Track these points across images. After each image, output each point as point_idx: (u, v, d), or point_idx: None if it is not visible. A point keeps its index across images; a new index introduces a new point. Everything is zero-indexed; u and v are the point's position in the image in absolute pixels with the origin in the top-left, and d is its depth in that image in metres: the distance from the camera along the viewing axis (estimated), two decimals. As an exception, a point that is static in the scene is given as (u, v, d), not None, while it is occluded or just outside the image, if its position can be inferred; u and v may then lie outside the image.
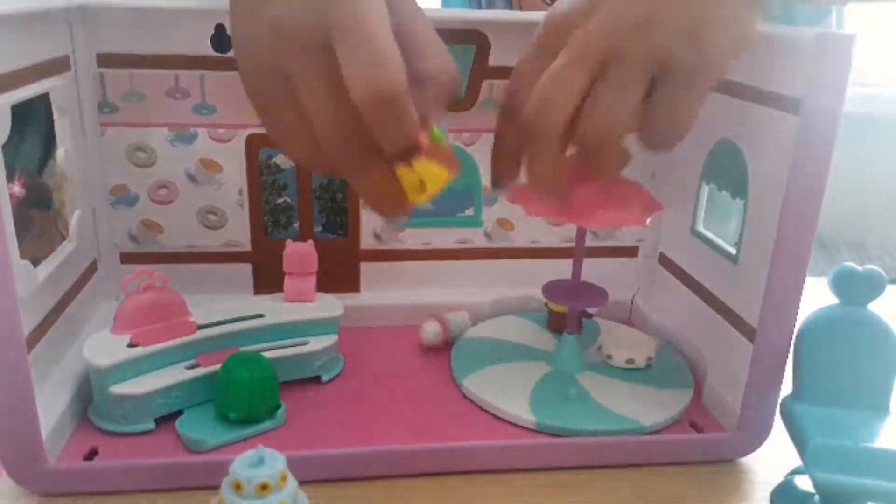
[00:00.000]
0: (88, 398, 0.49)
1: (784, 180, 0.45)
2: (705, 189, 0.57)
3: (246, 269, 0.62)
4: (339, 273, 0.62)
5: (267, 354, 0.50)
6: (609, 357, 0.56)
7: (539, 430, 0.49)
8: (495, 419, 0.50)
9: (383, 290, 0.63)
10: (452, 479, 0.46)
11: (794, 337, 0.45)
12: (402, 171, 0.37)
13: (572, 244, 0.64)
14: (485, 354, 0.56)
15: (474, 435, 0.48)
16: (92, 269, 0.57)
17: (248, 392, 0.46)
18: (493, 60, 0.58)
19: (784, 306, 0.45)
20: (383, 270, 0.63)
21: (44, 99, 0.49)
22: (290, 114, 0.37)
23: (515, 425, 0.49)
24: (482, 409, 0.51)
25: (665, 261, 0.64)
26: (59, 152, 0.52)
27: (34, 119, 0.51)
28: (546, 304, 0.62)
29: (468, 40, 0.58)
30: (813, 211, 0.44)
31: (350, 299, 0.60)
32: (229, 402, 0.46)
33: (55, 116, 0.51)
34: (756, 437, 0.48)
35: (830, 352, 0.43)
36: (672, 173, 0.61)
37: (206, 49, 0.55)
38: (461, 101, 0.59)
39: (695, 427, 0.51)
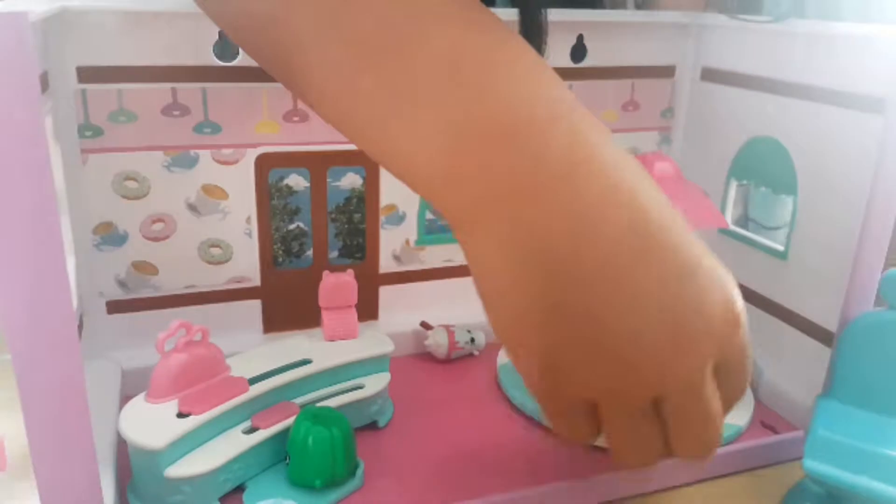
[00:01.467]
0: (123, 480, 0.41)
1: (850, 176, 0.46)
2: (734, 185, 0.58)
3: (255, 305, 0.54)
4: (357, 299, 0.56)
5: (326, 404, 0.44)
6: None
7: None
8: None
9: (402, 315, 0.58)
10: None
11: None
12: None
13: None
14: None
15: (575, 466, 0.45)
16: (79, 325, 0.48)
17: (331, 453, 0.40)
18: (517, 63, 0.55)
19: (864, 304, 0.46)
20: (402, 293, 0.58)
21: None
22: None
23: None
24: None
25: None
26: (49, 189, 0.42)
27: None
28: None
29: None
30: (892, 211, 0.45)
31: (368, 328, 0.55)
32: (312, 466, 0.40)
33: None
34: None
35: (872, 355, 0.43)
36: (694, 171, 0.60)
37: (209, 58, 0.48)
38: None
39: (767, 427, 0.51)
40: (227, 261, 0.52)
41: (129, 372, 0.49)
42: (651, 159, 0.49)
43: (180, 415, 0.40)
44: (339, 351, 0.48)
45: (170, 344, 0.41)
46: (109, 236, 0.49)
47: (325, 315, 0.49)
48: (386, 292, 0.58)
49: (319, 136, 0.52)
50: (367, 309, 0.57)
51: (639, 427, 0.33)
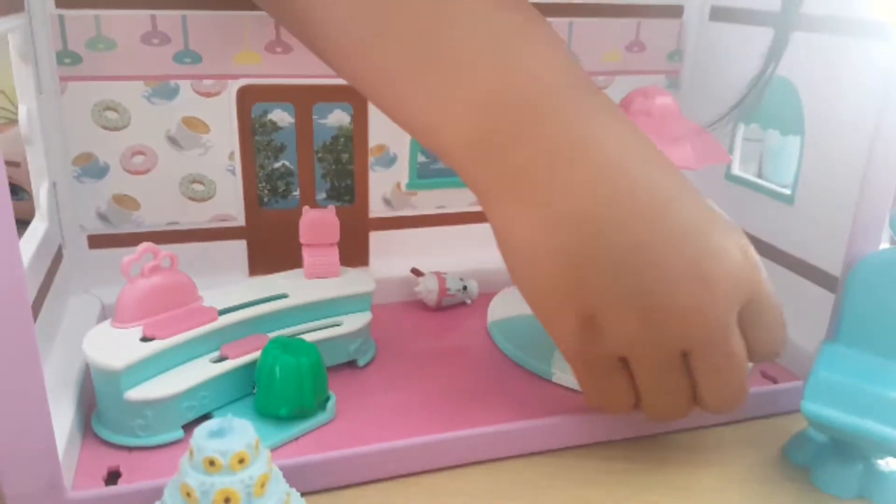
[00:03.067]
0: (89, 408, 0.40)
1: (856, 114, 0.43)
2: (742, 129, 0.55)
3: (240, 246, 0.53)
4: (345, 245, 0.54)
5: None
6: None
7: None
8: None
9: (394, 261, 0.57)
10: (545, 458, 0.40)
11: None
12: None
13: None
14: (533, 333, 0.51)
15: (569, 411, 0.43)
16: (57, 257, 0.47)
17: (298, 381, 0.39)
18: None
19: (870, 246, 0.43)
20: (393, 239, 0.57)
21: None
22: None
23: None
24: (573, 390, 0.45)
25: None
26: (22, 111, 0.42)
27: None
28: None
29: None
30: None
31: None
32: (277, 395, 0.39)
33: (14, 65, 0.41)
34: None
35: (879, 295, 0.40)
36: (698, 115, 0.57)
37: (189, -16, 0.46)
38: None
39: (768, 378, 0.48)
40: (210, 198, 0.51)
41: (109, 307, 0.48)
42: (652, 92, 0.47)
43: (144, 339, 0.39)
44: (318, 288, 0.47)
45: (137, 269, 0.40)
46: (90, 167, 0.48)
47: (305, 252, 0.48)
48: (376, 238, 0.56)
49: (304, 69, 0.50)
50: (357, 255, 0.56)
51: (669, 380, 0.35)
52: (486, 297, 0.56)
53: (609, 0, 0.55)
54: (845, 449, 0.38)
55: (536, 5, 0.53)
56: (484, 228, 0.57)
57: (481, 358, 0.49)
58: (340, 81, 0.51)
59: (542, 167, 0.33)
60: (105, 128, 0.48)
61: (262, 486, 0.28)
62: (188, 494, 0.27)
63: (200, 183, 0.51)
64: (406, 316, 0.54)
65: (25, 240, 0.41)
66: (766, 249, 0.52)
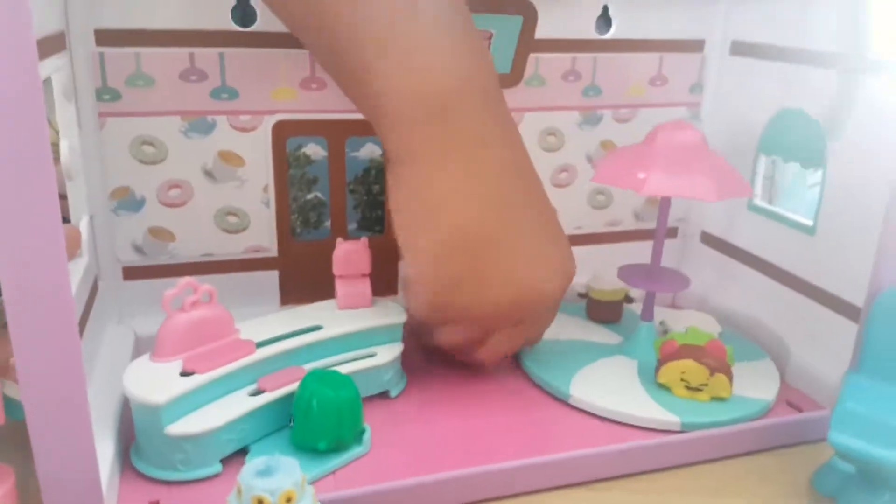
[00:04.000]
0: (127, 441, 0.41)
1: (878, 146, 0.44)
2: (763, 161, 0.55)
3: (272, 276, 0.54)
4: (374, 274, 0.55)
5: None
6: None
7: (683, 430, 0.45)
8: (611, 423, 0.46)
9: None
10: (572, 492, 0.41)
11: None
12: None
13: (616, 228, 0.61)
14: (557, 356, 0.51)
15: (595, 442, 0.43)
16: (94, 289, 0.48)
17: (337, 415, 0.40)
18: (540, 33, 0.54)
19: (892, 277, 0.44)
20: (421, 269, 0.57)
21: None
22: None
23: (645, 428, 0.45)
24: (595, 416, 0.46)
25: (711, 240, 0.62)
26: (63, 147, 0.43)
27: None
28: (586, 294, 0.58)
29: (516, 10, 0.53)
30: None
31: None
32: (315, 429, 0.39)
33: (57, 104, 0.42)
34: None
35: None
36: (724, 147, 0.58)
37: (227, 23, 0.48)
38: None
39: (793, 406, 0.48)
40: (244, 229, 0.52)
41: (143, 338, 0.49)
42: (678, 126, 0.48)
43: (184, 374, 0.40)
44: (351, 319, 0.47)
45: (177, 303, 0.41)
46: (126, 201, 0.49)
47: (338, 284, 0.49)
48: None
49: (337, 105, 0.51)
50: (387, 284, 0.56)
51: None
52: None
53: (632, 36, 0.56)
54: (872, 479, 0.38)
55: (563, 42, 0.54)
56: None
57: (506, 384, 0.50)
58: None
59: (470, 143, 0.42)
60: (142, 162, 0.49)
61: None
62: None
63: (235, 215, 0.52)
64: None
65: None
66: (788, 279, 0.53)
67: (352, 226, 0.55)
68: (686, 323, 0.54)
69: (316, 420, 0.39)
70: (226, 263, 0.52)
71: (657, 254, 0.51)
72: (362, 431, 0.42)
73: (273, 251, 0.53)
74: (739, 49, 0.57)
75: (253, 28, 0.48)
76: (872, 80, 0.45)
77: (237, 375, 0.41)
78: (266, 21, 0.48)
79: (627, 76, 0.58)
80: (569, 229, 0.59)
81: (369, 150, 0.53)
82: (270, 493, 0.28)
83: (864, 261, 0.44)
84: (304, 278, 0.54)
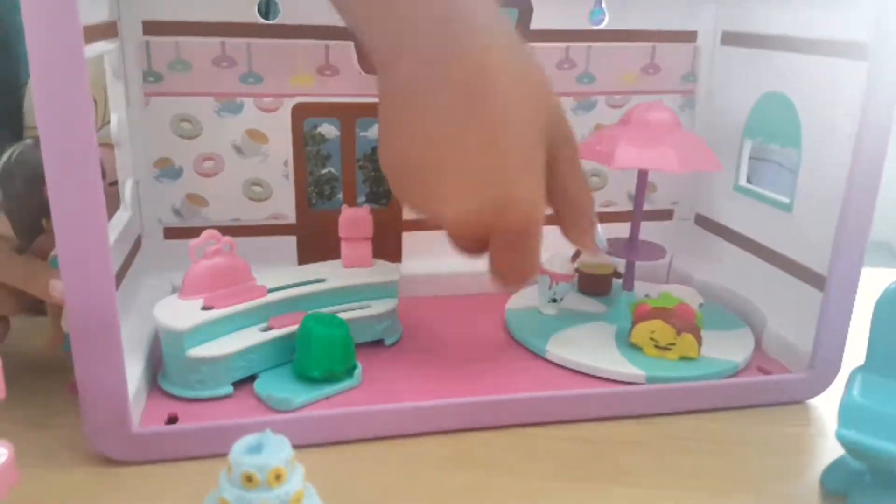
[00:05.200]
0: (156, 367, 0.48)
1: (842, 126, 0.47)
2: (748, 144, 0.59)
3: (290, 241, 0.61)
4: (380, 243, 0.61)
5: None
6: None
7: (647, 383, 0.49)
8: (582, 375, 0.50)
9: (426, 260, 0.63)
10: (534, 430, 0.46)
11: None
12: None
13: (611, 209, 0.66)
14: (542, 320, 0.56)
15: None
16: (137, 244, 0.55)
17: (329, 349, 0.46)
18: (535, 24, 0.59)
19: (853, 246, 0.47)
20: (425, 240, 0.63)
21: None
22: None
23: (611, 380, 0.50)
24: (569, 369, 0.51)
25: (703, 221, 0.65)
26: (113, 119, 0.50)
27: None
28: (576, 269, 0.62)
29: (510, 3, 0.58)
30: (880, 153, 0.45)
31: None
32: (311, 360, 0.46)
33: (109, 81, 0.50)
34: (827, 376, 0.50)
35: None
36: (715, 134, 0.62)
37: (254, 16, 0.55)
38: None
39: (763, 371, 0.52)
40: (266, 198, 0.59)
41: (178, 287, 0.56)
42: (651, 106, 0.52)
43: (205, 308, 0.47)
44: (352, 275, 0.53)
45: (201, 252, 0.48)
46: (167, 170, 0.57)
47: (343, 245, 0.55)
48: (409, 238, 0.63)
49: (350, 89, 0.58)
50: (391, 253, 0.62)
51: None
52: (505, 295, 0.61)
53: (625, 26, 0.61)
54: (882, 476, 0.38)
55: (556, 32, 0.59)
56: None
57: (493, 342, 0.55)
58: (381, 99, 0.58)
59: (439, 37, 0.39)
60: (181, 136, 0.56)
61: (298, 502, 0.29)
62: None
63: (259, 185, 0.59)
64: (434, 307, 0.60)
65: (111, 226, 0.49)
66: (767, 254, 0.56)
67: (361, 198, 0.61)
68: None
69: (311, 352, 0.46)
70: (251, 228, 0.59)
71: (636, 227, 0.55)
72: (353, 367, 0.48)
73: (292, 218, 0.60)
74: (730, 39, 0.61)
75: (276, 21, 0.55)
76: (841, 64, 0.48)
77: (250, 313, 0.48)
78: (287, 14, 0.55)
79: (620, 64, 0.62)
80: (566, 207, 0.65)
81: (377, 131, 0.59)
82: (259, 470, 0.28)
83: (830, 234, 0.48)
84: (318, 243, 0.60)
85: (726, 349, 0.52)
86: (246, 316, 0.48)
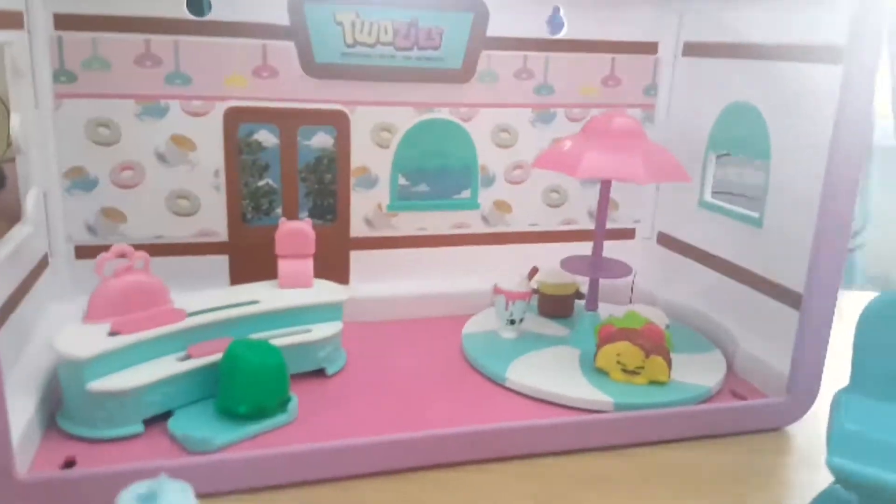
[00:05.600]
0: (54, 405, 0.41)
1: (815, 134, 0.44)
2: (713, 158, 0.56)
3: (222, 261, 0.55)
4: (327, 264, 0.55)
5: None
6: None
7: (616, 410, 0.45)
8: (545, 404, 0.45)
9: (375, 282, 0.58)
10: (493, 466, 0.40)
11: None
12: None
13: (571, 227, 0.62)
14: (502, 348, 0.51)
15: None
16: (42, 264, 0.49)
17: (258, 380, 0.40)
18: (492, 30, 0.55)
19: (831, 262, 0.44)
20: (374, 259, 0.58)
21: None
22: None
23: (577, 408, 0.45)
24: (532, 398, 0.46)
25: (666, 239, 0.62)
26: (14, 120, 0.44)
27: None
28: (537, 290, 0.58)
29: (465, 7, 0.54)
30: (857, 160, 0.42)
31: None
32: (237, 393, 0.40)
33: (9, 77, 0.44)
34: (805, 400, 0.46)
35: (890, 338, 0.36)
36: (677, 148, 0.59)
37: (182, 12, 0.50)
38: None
39: (737, 396, 0.48)
40: (194, 213, 0.53)
41: (90, 315, 0.50)
42: (614, 114, 0.49)
43: (112, 335, 0.40)
44: (289, 295, 0.48)
45: (110, 269, 0.42)
46: (80, 181, 0.51)
47: (280, 263, 0.49)
48: (357, 257, 0.58)
49: (290, 94, 0.53)
50: (339, 274, 0.57)
51: None
52: (461, 319, 0.56)
53: (585, 37, 0.58)
54: None
55: (513, 40, 0.56)
56: (464, 252, 0.59)
57: (447, 368, 0.50)
58: (325, 106, 0.54)
59: None
60: (97, 143, 0.50)
61: None
62: None
63: (186, 199, 0.53)
64: (383, 333, 0.55)
65: (4, 240, 0.42)
66: (736, 272, 0.53)
67: (303, 214, 0.56)
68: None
69: (238, 384, 0.40)
70: (176, 246, 0.53)
71: (599, 243, 0.51)
72: (287, 400, 0.42)
73: (223, 235, 0.54)
74: (691, 50, 0.59)
75: (207, 17, 0.50)
76: (808, 69, 0.46)
77: (165, 341, 0.42)
78: (220, 10, 0.50)
79: (580, 76, 0.59)
80: (523, 226, 0.61)
81: (321, 140, 0.55)
82: None
83: (806, 250, 0.44)
84: (254, 263, 0.54)
85: (696, 373, 0.48)
86: (160, 343, 0.42)
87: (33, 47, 0.47)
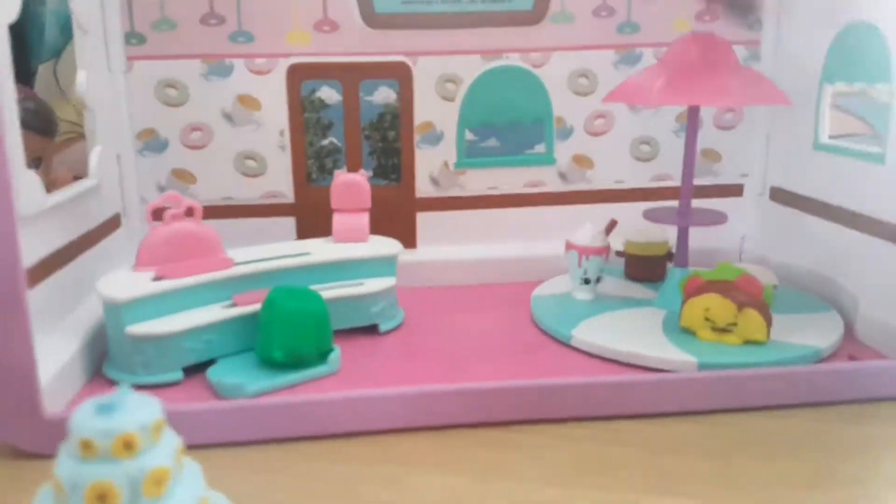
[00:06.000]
0: (104, 353, 0.41)
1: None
2: (828, 91, 0.48)
3: (289, 223, 0.54)
4: (393, 226, 0.53)
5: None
6: None
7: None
8: (614, 363, 0.40)
9: (443, 245, 0.55)
10: (547, 428, 0.36)
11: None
12: None
13: (663, 183, 0.56)
14: (574, 309, 0.46)
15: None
16: (114, 223, 0.50)
17: (295, 326, 0.38)
18: (564, -33, 0.51)
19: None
20: (443, 221, 0.55)
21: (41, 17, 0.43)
22: None
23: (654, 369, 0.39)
24: (602, 357, 0.41)
25: (780, 194, 0.54)
26: (80, 77, 0.45)
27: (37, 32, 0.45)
28: (623, 251, 0.52)
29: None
30: None
31: (406, 255, 0.52)
32: (273, 338, 0.38)
33: (76, 35, 0.45)
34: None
35: None
36: (786, 83, 0.51)
37: (242, -33, 0.49)
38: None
39: (854, 360, 0.40)
40: (261, 174, 0.53)
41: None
42: (697, 37, 0.43)
43: (156, 279, 0.40)
44: (341, 248, 0.46)
45: (160, 217, 0.42)
46: (152, 142, 0.51)
47: (336, 217, 0.48)
48: (424, 219, 0.55)
49: (352, 47, 0.51)
50: (405, 237, 0.54)
51: None
52: (535, 285, 0.52)
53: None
54: None
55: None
56: (540, 213, 0.55)
57: (513, 331, 0.45)
58: (386, 58, 0.51)
59: None
60: (166, 104, 0.51)
61: (158, 483, 0.21)
62: (57, 488, 0.21)
63: (253, 159, 0.52)
64: (449, 297, 0.52)
65: (65, 189, 0.43)
66: (856, 220, 0.45)
67: (368, 173, 0.53)
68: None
69: (275, 330, 0.38)
70: (244, 208, 0.53)
71: (688, 187, 0.45)
72: (328, 350, 0.39)
73: (290, 197, 0.53)
74: (802, -25, 0.51)
75: (267, -29, 0.49)
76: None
77: (211, 288, 0.41)
78: (278, -35, 0.49)
79: (670, 11, 0.53)
80: (608, 183, 0.56)
81: (384, 95, 0.52)
82: (101, 436, 0.20)
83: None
84: (320, 224, 0.53)
85: (806, 334, 0.41)
86: (205, 291, 0.41)
87: (105, 10, 0.49)
